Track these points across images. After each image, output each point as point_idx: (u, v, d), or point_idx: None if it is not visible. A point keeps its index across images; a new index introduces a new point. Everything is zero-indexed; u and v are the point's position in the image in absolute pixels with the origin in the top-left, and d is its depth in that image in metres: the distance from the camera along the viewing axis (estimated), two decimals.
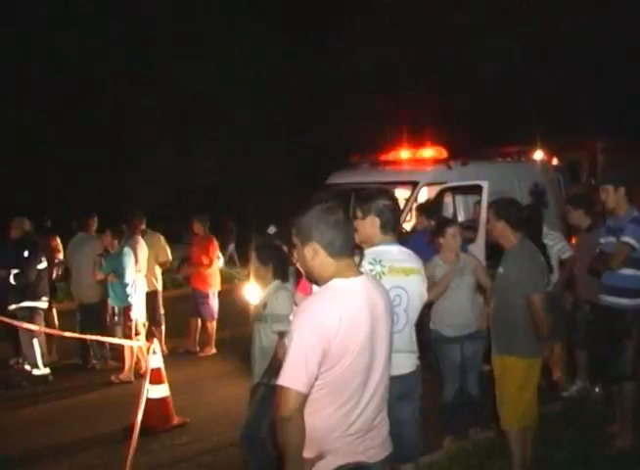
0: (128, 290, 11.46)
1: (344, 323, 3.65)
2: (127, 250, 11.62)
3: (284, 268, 6.94)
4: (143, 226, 12.78)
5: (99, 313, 12.20)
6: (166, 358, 9.34)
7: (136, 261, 11.75)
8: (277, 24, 29.22)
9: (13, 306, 11.54)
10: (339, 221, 3.79)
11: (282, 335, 5.79)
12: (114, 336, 11.50)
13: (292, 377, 3.59)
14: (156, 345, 8.97)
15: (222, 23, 30.09)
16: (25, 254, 11.48)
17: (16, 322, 11.48)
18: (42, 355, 11.55)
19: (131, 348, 11.23)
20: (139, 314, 11.72)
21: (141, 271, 11.93)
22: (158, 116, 29.56)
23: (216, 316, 13.10)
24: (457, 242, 7.92)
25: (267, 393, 6.23)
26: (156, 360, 8.85)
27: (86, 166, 29.19)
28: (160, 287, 12.97)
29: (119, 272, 11.43)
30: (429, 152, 12.91)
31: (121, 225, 11.98)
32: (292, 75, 29.56)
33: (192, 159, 29.61)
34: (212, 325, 13.10)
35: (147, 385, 8.14)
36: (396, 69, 28.42)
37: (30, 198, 24.95)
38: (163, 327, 12.85)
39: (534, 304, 6.32)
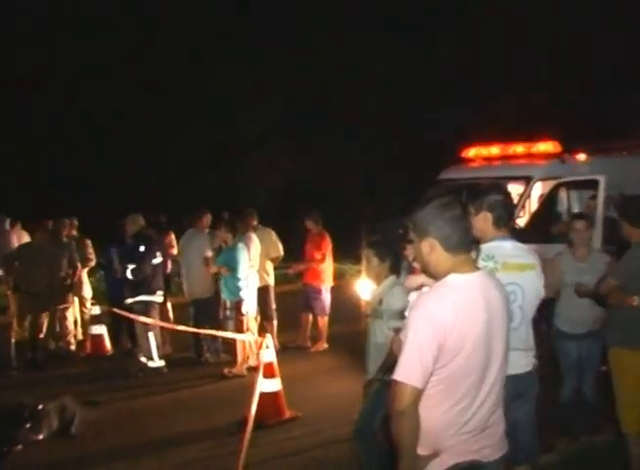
0: (240, 284, 11.58)
1: (460, 319, 3.59)
2: (241, 245, 11.76)
3: (398, 264, 6.90)
4: (255, 222, 12.90)
5: (212, 308, 12.39)
6: (278, 353, 9.39)
7: (249, 257, 11.89)
8: (388, 24, 29.19)
9: (129, 300, 11.86)
10: (455, 216, 3.74)
11: (397, 331, 5.75)
12: (225, 330, 11.66)
13: (407, 372, 3.56)
14: (268, 339, 9.03)
15: (333, 23, 30.21)
16: (141, 249, 11.75)
17: (132, 315, 11.79)
18: (157, 348, 11.80)
19: (243, 341, 11.36)
20: (251, 309, 11.85)
21: (253, 267, 12.06)
22: (268, 115, 29.90)
23: (328, 312, 13.14)
24: (586, 237, 7.77)
25: (381, 388, 6.19)
26: (268, 355, 8.91)
27: (199, 164, 29.79)
28: (271, 282, 13.07)
29: (232, 266, 11.56)
30: (542, 146, 12.66)
31: (236, 221, 12.15)
32: (401, 73, 29.45)
33: (301, 158, 29.83)
34: (324, 320, 13.13)
35: (260, 379, 8.19)
36: (505, 63, 28.00)
37: (146, 194, 25.61)
38: (275, 322, 12.95)
39: None
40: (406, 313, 3.98)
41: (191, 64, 30.69)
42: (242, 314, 11.58)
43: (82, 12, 29.98)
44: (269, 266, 13.03)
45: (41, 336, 12.65)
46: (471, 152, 13.52)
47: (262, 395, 8.10)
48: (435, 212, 3.74)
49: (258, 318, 12.31)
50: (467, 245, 3.79)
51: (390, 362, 5.56)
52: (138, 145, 30.16)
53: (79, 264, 13.35)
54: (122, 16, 30.53)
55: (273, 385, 8.96)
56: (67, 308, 13.24)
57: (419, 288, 4.61)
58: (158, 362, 11.78)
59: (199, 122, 30.64)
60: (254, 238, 12.39)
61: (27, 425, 8.66)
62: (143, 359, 11.79)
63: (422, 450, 3.65)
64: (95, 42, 30.08)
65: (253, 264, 12.08)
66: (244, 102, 29.76)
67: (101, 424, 9.20)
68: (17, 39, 30.11)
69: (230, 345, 11.96)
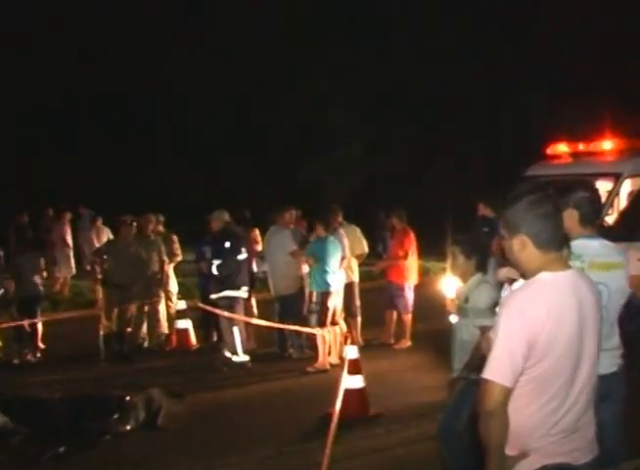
0: (328, 277, 11.59)
1: (551, 317, 3.53)
2: (332, 238, 11.79)
3: (485, 262, 6.83)
4: (340, 219, 12.90)
5: (296, 304, 12.44)
6: (362, 350, 9.38)
7: (344, 253, 11.93)
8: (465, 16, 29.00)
9: (214, 296, 11.98)
10: (548, 213, 3.67)
11: (484, 329, 5.68)
12: (309, 322, 11.69)
13: (497, 370, 3.51)
14: (353, 335, 9.02)
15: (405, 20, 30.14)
16: (227, 245, 11.85)
17: (217, 310, 11.91)
18: (242, 343, 11.90)
19: (323, 335, 11.38)
20: (339, 306, 11.87)
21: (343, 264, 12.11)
22: (347, 113, 29.94)
23: (411, 309, 13.07)
24: None
25: (466, 387, 6.13)
26: (353, 351, 8.90)
27: (279, 161, 30.01)
28: (356, 279, 13.05)
29: (321, 257, 11.59)
30: (632, 142, 12.37)
31: (322, 218, 12.13)
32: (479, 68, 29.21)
33: (380, 156, 29.79)
34: (408, 318, 13.07)
35: (344, 375, 8.18)
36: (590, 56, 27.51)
37: (231, 191, 25.87)
38: (359, 318, 12.93)
39: None
40: (496, 311, 3.92)
41: (273, 63, 30.92)
42: (327, 308, 11.59)
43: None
44: (354, 263, 13.01)
45: (129, 329, 12.90)
46: (557, 148, 13.29)
47: (346, 391, 8.10)
48: (527, 209, 3.67)
49: (342, 315, 12.31)
50: (558, 243, 3.72)
51: (476, 361, 5.50)
52: (218, 143, 30.55)
53: (167, 259, 13.59)
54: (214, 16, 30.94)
55: (357, 381, 8.94)
56: (157, 302, 13.46)
57: (509, 281, 4.54)
58: (242, 357, 11.87)
59: (280, 121, 30.87)
60: (345, 234, 12.44)
61: (115, 416, 8.85)
62: (228, 354, 11.90)
63: (510, 451, 3.60)
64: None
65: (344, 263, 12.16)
66: (324, 101, 29.90)
67: (186, 417, 9.31)
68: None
69: (314, 340, 11.99)
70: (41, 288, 13.28)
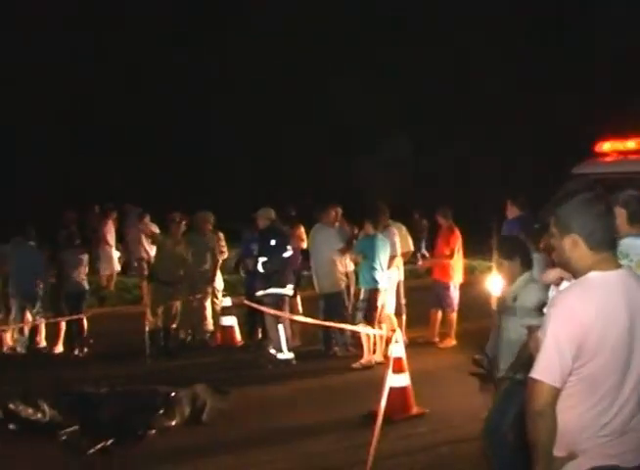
0: (376, 275, 11.59)
1: (601, 318, 3.49)
2: (381, 236, 11.79)
3: (529, 260, 6.76)
4: (387, 217, 12.87)
5: (341, 302, 12.45)
6: (406, 348, 9.35)
7: (393, 251, 11.92)
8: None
9: (260, 293, 12.04)
10: (601, 213, 3.62)
11: (531, 329, 5.63)
12: (355, 320, 11.70)
13: (545, 370, 3.48)
14: (398, 334, 9.01)
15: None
16: (272, 242, 11.90)
17: (262, 308, 11.96)
18: (286, 340, 11.94)
19: (368, 333, 11.39)
20: (388, 304, 11.86)
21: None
22: (394, 113, 29.91)
23: (457, 308, 13.02)
24: None
25: (512, 387, 6.09)
26: (398, 349, 8.89)
27: (323, 160, 30.07)
28: (401, 277, 13.03)
29: (369, 255, 11.59)
30: None
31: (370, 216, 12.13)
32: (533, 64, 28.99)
33: (426, 155, 29.71)
34: (453, 317, 13.02)
35: (389, 373, 8.18)
36: None
37: (276, 189, 25.96)
38: (404, 317, 12.91)
39: None
40: (545, 310, 3.89)
41: (320, 57, 30.97)
42: (375, 306, 11.58)
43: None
44: (399, 261, 12.99)
45: (174, 326, 13.00)
46: (605, 146, 13.11)
47: (391, 389, 8.08)
48: (580, 208, 3.63)
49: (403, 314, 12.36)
50: (610, 242, 3.67)
51: (522, 360, 5.46)
52: (264, 142, 30.67)
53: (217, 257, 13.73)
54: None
55: (402, 380, 8.93)
56: (204, 299, 13.56)
57: (557, 282, 4.50)
58: (287, 354, 11.92)
59: (324, 120, 30.93)
60: (396, 232, 12.44)
61: (161, 411, 8.93)
62: (272, 351, 11.95)
63: (557, 452, 3.56)
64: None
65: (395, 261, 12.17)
66: (369, 100, 29.90)
67: (231, 413, 9.38)
68: None
69: (359, 338, 11.99)
70: (85, 284, 13.44)
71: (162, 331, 12.85)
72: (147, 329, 12.78)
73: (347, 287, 12.62)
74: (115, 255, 19.36)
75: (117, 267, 19.60)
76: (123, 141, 30.66)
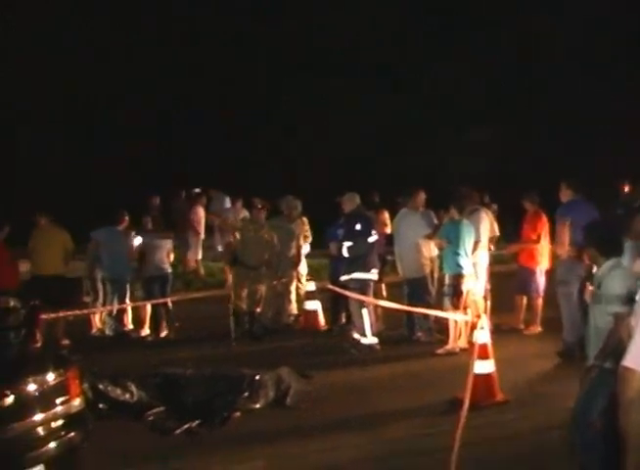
0: (460, 260, 11.49)
1: None
2: (466, 221, 11.69)
3: (616, 245, 6.57)
4: (473, 202, 12.73)
5: (425, 287, 12.38)
6: (491, 334, 9.25)
7: (477, 236, 11.82)
8: None
9: (345, 277, 12.06)
10: None
11: (617, 316, 5.50)
12: (441, 306, 11.62)
13: (638, 359, 3.41)
14: (484, 320, 8.91)
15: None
16: (357, 227, 11.92)
17: (347, 292, 11.98)
18: (370, 325, 11.93)
19: (455, 319, 11.31)
20: (476, 289, 11.76)
21: (483, 246, 12.00)
22: (472, 98, 29.58)
23: (543, 294, 12.82)
24: None
25: (601, 375, 5.95)
26: (483, 336, 8.80)
27: (404, 145, 29.90)
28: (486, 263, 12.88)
29: (452, 240, 11.51)
30: None
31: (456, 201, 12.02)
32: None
33: (508, 142, 29.28)
34: (538, 303, 12.83)
35: (474, 360, 8.10)
36: None
37: (355, 173, 25.94)
38: (489, 303, 12.77)
39: None
40: (637, 298, 3.80)
41: (407, 44, 30.78)
42: (460, 291, 11.50)
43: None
44: (486, 246, 12.84)
45: (258, 309, 13.11)
46: None
47: (475, 376, 8.01)
48: None
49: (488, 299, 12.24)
50: None
51: (610, 348, 5.34)
52: (344, 126, 30.60)
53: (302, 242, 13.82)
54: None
55: (487, 366, 8.85)
56: (289, 283, 13.64)
57: None
58: (371, 339, 11.92)
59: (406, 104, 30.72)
60: (484, 217, 12.32)
61: (246, 394, 9.04)
62: (356, 336, 11.97)
63: None
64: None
65: (483, 244, 12.02)
66: (449, 86, 29.64)
67: (314, 397, 9.43)
68: None
69: (443, 324, 11.91)
70: (168, 269, 13.63)
71: (247, 315, 12.98)
72: (232, 313, 12.93)
73: (431, 272, 12.54)
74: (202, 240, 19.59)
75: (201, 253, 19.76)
76: (209, 125, 30.95)
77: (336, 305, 13.30)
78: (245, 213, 17.67)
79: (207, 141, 30.41)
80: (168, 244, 13.69)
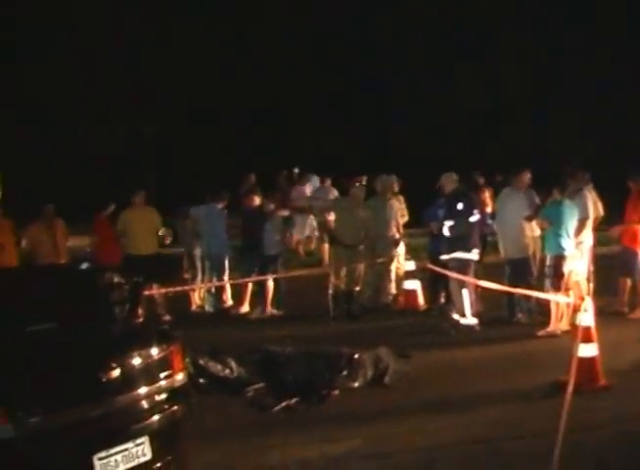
0: (562, 241, 11.28)
1: None
2: (568, 201, 11.46)
3: None
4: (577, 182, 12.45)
5: (527, 268, 12.19)
6: (594, 317, 9.03)
7: (584, 215, 11.60)
8: None
9: (445, 257, 11.98)
10: None
11: None
12: (542, 287, 11.43)
13: None
14: (588, 302, 8.71)
15: None
16: (459, 206, 11.82)
17: (447, 272, 11.89)
18: (470, 306, 11.82)
19: (557, 301, 11.10)
20: (580, 270, 11.53)
21: (587, 227, 11.78)
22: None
23: None
24: None
25: None
26: (587, 318, 8.60)
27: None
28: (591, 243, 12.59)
29: (554, 221, 11.31)
30: None
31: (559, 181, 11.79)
32: None
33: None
34: None
35: (578, 342, 7.92)
36: None
37: (460, 152, 25.70)
38: (592, 285, 12.48)
39: None
40: None
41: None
42: (561, 273, 11.27)
43: None
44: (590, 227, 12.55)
45: (357, 288, 13.11)
46: None
47: (578, 359, 7.84)
48: None
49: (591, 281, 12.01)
50: None
51: None
52: (446, 105, 30.34)
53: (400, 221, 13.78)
54: None
55: (590, 350, 8.64)
56: (388, 262, 13.61)
57: None
58: (470, 320, 11.83)
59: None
60: (588, 196, 12.06)
61: (344, 372, 9.07)
62: (456, 316, 11.89)
63: None
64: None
65: (588, 224, 11.84)
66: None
67: (413, 377, 9.40)
68: None
69: (544, 305, 11.70)
70: (273, 248, 13.72)
71: (346, 294, 12.99)
72: (330, 292, 12.96)
73: (534, 253, 12.33)
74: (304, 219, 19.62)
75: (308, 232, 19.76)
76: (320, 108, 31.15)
77: (435, 284, 13.24)
78: (335, 193, 17.70)
79: (302, 120, 30.59)
80: (272, 223, 13.77)
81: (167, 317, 12.72)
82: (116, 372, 5.49)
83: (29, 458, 5.10)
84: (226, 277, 13.91)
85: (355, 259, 13.01)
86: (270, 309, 13.44)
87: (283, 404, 8.44)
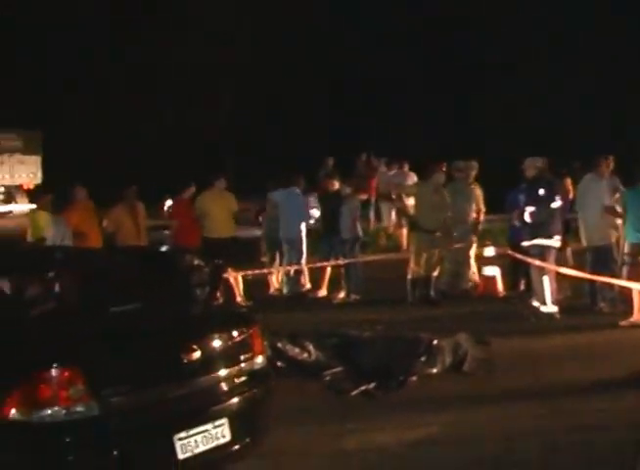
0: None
1: None
2: None
3: None
4: None
5: (609, 256, 11.95)
6: None
7: None
8: None
9: (526, 243, 11.83)
10: None
11: None
12: (621, 275, 11.20)
13: None
14: None
15: None
16: (540, 192, 11.65)
17: (528, 259, 11.74)
18: (551, 293, 11.64)
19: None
20: None
21: None
22: None
23: None
24: None
25: None
26: None
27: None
28: None
29: (631, 207, 11.15)
30: None
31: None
32: None
33: None
34: None
35: None
36: None
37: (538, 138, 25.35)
38: None
39: None
40: None
41: None
42: (638, 261, 11.02)
43: None
44: None
45: (435, 274, 13.02)
46: None
47: None
48: None
49: None
50: None
51: None
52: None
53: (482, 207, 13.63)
54: None
55: None
56: (468, 248, 13.48)
57: None
58: (551, 307, 11.65)
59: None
60: None
61: (423, 358, 9.01)
62: (536, 303, 11.73)
63: None
64: None
65: None
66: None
67: (492, 364, 9.28)
68: None
69: (627, 294, 11.45)
70: (349, 232, 13.70)
71: (424, 279, 12.92)
72: (409, 277, 12.90)
73: (617, 240, 12.08)
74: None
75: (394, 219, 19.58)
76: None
77: (515, 271, 13.07)
78: (414, 178, 17.58)
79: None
80: (355, 207, 13.76)
81: (246, 301, 12.80)
82: (198, 354, 5.53)
83: (112, 436, 5.17)
84: (304, 261, 13.94)
85: (434, 244, 12.91)
86: (350, 294, 13.44)
87: (361, 389, 8.42)
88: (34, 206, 31.88)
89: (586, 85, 29.91)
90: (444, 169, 13.80)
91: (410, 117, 31.23)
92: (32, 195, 29.04)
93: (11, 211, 31.75)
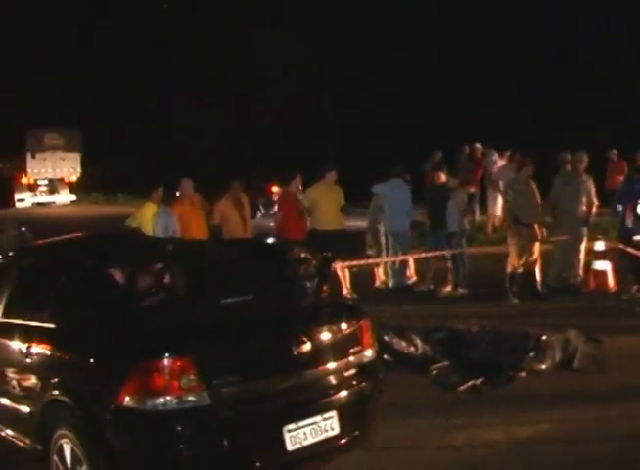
0: None
1: None
2: None
3: None
4: None
5: None
6: None
7: None
8: None
9: (638, 237, 11.51)
10: None
11: None
12: None
13: None
14: None
15: None
16: None
17: (638, 252, 11.47)
18: None
19: None
20: None
21: None
22: None
23: None
24: None
25: None
26: None
27: None
28: None
29: None
30: None
31: None
32: None
33: None
34: None
35: None
36: None
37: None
38: None
39: None
40: None
41: None
42: None
43: None
44: None
45: (537, 268, 12.75)
46: None
47: None
48: None
49: None
50: None
51: None
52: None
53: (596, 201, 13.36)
54: None
55: None
56: (579, 242, 13.20)
57: None
58: None
59: None
60: None
61: (532, 354, 8.86)
62: None
63: None
64: None
65: None
66: None
67: (603, 362, 9.03)
68: None
69: None
70: (466, 225, 13.64)
71: (528, 274, 12.68)
72: (509, 271, 12.69)
73: None
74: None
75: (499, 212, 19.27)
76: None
77: (628, 266, 12.71)
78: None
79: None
80: (462, 199, 13.65)
81: (352, 293, 12.80)
82: (308, 346, 5.56)
83: (223, 426, 5.25)
84: (409, 253, 13.87)
85: (534, 238, 12.63)
86: (457, 288, 13.33)
87: (468, 384, 8.35)
88: (74, 197, 35.50)
89: None
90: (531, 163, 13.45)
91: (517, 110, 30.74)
92: (72, 188, 37.18)
93: (54, 202, 36.81)
